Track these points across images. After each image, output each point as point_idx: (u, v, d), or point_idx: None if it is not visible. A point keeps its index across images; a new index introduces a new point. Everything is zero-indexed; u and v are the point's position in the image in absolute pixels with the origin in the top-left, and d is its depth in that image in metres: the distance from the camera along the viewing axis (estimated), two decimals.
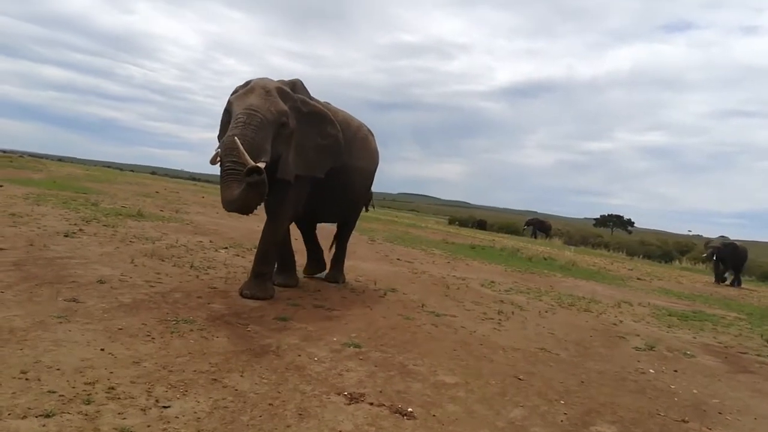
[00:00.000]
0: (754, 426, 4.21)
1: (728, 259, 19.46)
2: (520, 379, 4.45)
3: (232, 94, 5.70)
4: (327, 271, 7.65)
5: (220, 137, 5.80)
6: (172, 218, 11.21)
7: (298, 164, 5.87)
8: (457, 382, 4.13)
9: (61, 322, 3.95)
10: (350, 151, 6.63)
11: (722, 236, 27.16)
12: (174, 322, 4.38)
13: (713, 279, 19.65)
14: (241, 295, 5.64)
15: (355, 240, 13.62)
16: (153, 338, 3.95)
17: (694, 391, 4.94)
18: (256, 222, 12.95)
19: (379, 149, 7.72)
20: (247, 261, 7.68)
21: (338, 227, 7.88)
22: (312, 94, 6.35)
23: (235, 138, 4.92)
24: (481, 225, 42.42)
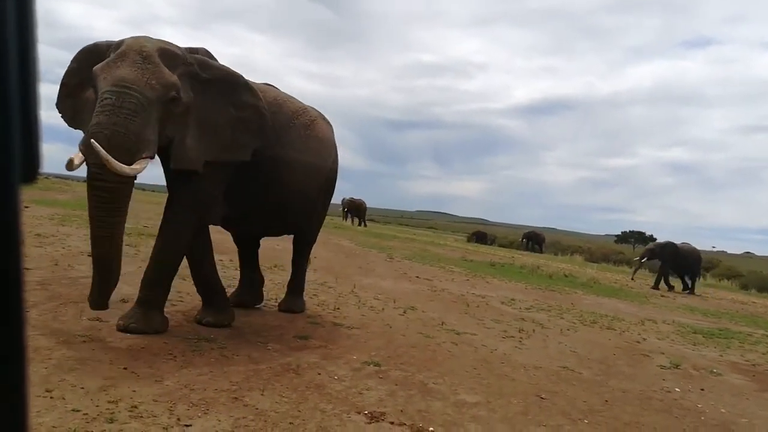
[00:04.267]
0: None
1: (669, 261, 17.62)
2: (542, 398, 4.39)
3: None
4: (284, 297, 6.36)
5: (78, 121, 4.38)
6: None
7: (207, 148, 4.53)
8: (479, 401, 4.08)
9: (84, 341, 4.00)
10: (283, 140, 5.24)
11: (679, 242, 25.21)
12: (195, 341, 4.41)
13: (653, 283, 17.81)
14: (117, 328, 4.38)
15: (373, 258, 13.65)
16: (174, 356, 3.98)
17: (722, 410, 4.82)
18: (274, 241, 13.04)
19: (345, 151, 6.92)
20: (268, 280, 7.71)
21: (293, 244, 6.51)
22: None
23: (92, 141, 3.64)
24: (481, 238, 42.24)
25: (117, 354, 3.84)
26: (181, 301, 5.79)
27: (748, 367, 6.86)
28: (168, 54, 4.22)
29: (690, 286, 17.81)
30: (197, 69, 4.51)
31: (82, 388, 3.19)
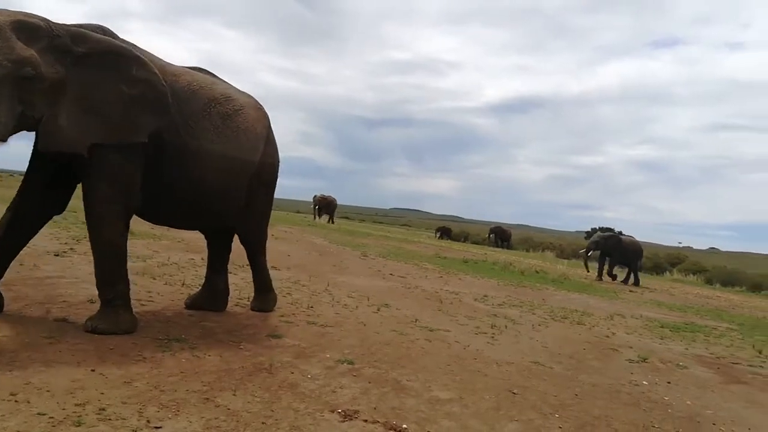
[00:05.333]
0: None
1: (612, 253, 18.11)
2: (514, 393, 4.44)
3: None
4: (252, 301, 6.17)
5: None
6: (164, 236, 11.15)
7: (91, 128, 4.16)
8: (452, 397, 4.11)
9: (51, 343, 3.90)
10: (194, 128, 4.82)
11: (610, 229, 25.56)
12: (165, 341, 4.35)
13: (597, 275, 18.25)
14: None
15: (347, 256, 13.64)
16: (144, 357, 3.91)
17: (688, 402, 4.94)
18: None
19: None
20: (240, 278, 7.64)
21: (241, 243, 6.00)
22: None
23: None
24: (446, 233, 43.15)
25: (84, 355, 3.76)
26: (151, 300, 5.70)
27: (713, 360, 7.05)
28: (25, 27, 3.85)
29: (634, 277, 18.31)
30: (68, 42, 4.10)
31: (48, 391, 3.11)
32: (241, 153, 5.26)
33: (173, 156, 4.68)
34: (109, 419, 2.88)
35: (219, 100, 5.12)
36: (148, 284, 6.42)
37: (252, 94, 5.83)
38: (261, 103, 5.81)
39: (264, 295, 6.11)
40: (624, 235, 21.96)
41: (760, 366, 7.05)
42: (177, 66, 5.11)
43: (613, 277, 18.27)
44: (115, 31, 4.65)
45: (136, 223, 5.29)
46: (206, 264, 5.97)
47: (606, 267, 18.47)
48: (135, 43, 4.75)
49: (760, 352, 7.96)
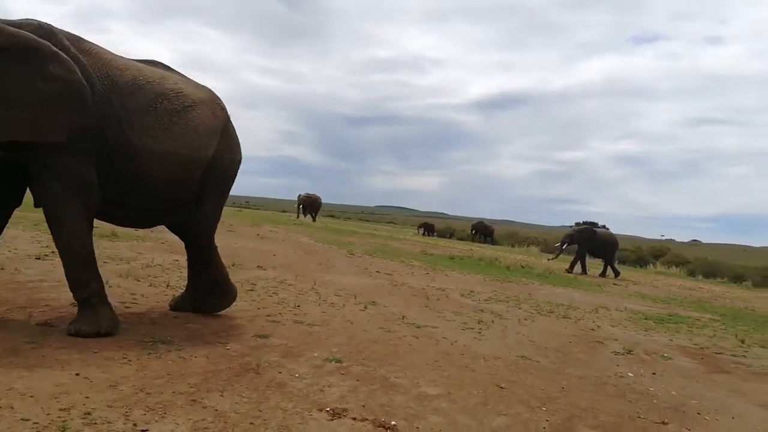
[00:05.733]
0: (732, 425, 4.29)
1: (587, 246, 18.26)
2: (501, 387, 4.47)
3: None
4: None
5: None
6: (147, 237, 11.05)
7: (9, 123, 4.03)
8: (440, 393, 4.13)
9: (34, 347, 3.85)
10: (136, 125, 4.62)
11: (590, 222, 25.71)
12: (151, 343, 4.30)
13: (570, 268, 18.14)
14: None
15: (333, 254, 13.61)
16: (129, 360, 3.87)
17: (673, 392, 5.01)
18: (233, 239, 12.85)
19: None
20: None
21: (195, 245, 5.66)
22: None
23: None
24: (429, 229, 43.34)
25: (68, 359, 3.71)
26: (136, 302, 5.65)
27: (697, 351, 7.15)
28: None
29: (612, 270, 18.40)
30: None
31: (32, 396, 3.07)
32: (190, 150, 5.03)
33: (118, 153, 4.53)
34: (95, 423, 2.85)
35: (168, 95, 4.93)
36: (132, 286, 6.36)
37: (230, 91, 5.72)
38: (219, 99, 5.59)
39: (223, 288, 5.69)
40: (605, 228, 22.07)
41: (743, 356, 7.16)
42: (127, 59, 4.92)
43: (572, 268, 18.19)
44: (89, 31, 4.57)
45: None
46: (187, 266, 5.81)
47: (581, 259, 18.49)
48: (86, 39, 4.65)
49: (742, 342, 8.09)
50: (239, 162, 5.79)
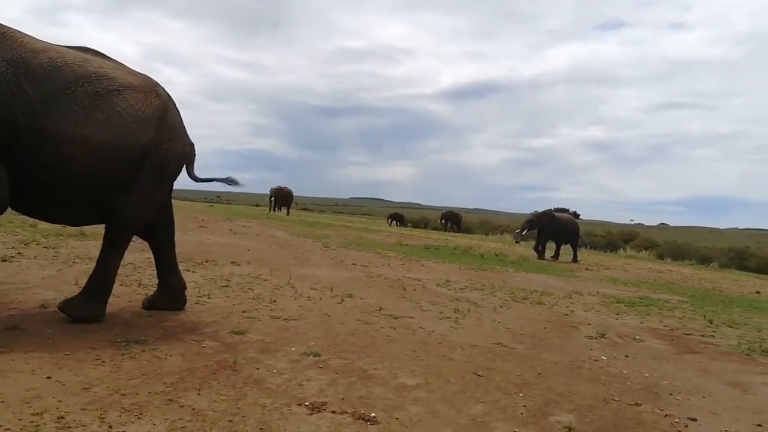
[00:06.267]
0: (703, 404, 4.40)
1: (547, 230, 18.27)
2: (479, 375, 4.52)
3: None
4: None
5: None
6: None
7: None
8: (418, 383, 4.15)
9: (3, 352, 3.75)
10: (54, 109, 4.34)
11: (561, 208, 26.14)
12: (124, 344, 4.23)
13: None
14: None
15: (308, 247, 13.54)
16: (103, 362, 3.80)
17: (645, 374, 5.12)
18: (206, 235, 12.70)
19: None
20: (199, 275, 7.52)
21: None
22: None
23: None
24: (399, 219, 43.93)
25: (39, 363, 3.63)
26: (108, 303, 5.53)
27: (667, 332, 7.33)
28: None
29: (574, 254, 18.75)
30: None
31: (3, 401, 2.99)
32: (116, 136, 4.64)
33: (33, 141, 4.26)
34: (69, 427, 2.79)
35: (89, 78, 4.58)
36: None
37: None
38: (160, 87, 5.23)
39: (84, 296, 4.91)
40: (566, 213, 22.35)
41: (711, 335, 7.37)
42: (49, 44, 4.64)
43: (540, 254, 18.38)
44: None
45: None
46: (155, 265, 5.68)
47: (542, 244, 18.68)
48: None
49: (710, 322, 8.32)
50: (186, 155, 5.41)
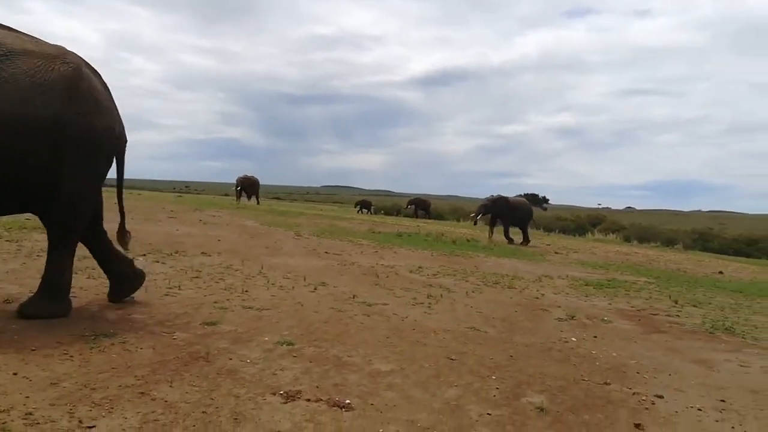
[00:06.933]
0: (669, 382, 4.54)
1: (502, 214, 18.98)
2: (452, 359, 4.57)
3: None
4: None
5: None
6: None
7: None
8: (393, 368, 4.18)
9: None
10: None
11: (522, 195, 27.05)
12: (93, 337, 4.15)
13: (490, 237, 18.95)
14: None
15: (280, 236, 13.45)
16: (71, 356, 3.72)
17: (614, 354, 5.25)
18: (175, 225, 12.49)
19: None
20: (168, 267, 7.40)
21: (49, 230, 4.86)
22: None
23: None
24: (366, 206, 44.23)
25: (4, 359, 3.53)
26: (74, 296, 5.40)
27: (634, 313, 7.51)
28: None
29: (524, 235, 19.24)
30: None
31: None
32: (7, 105, 4.11)
33: None
34: (38, 423, 2.74)
35: None
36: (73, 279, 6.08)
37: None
38: (73, 55, 4.67)
39: (39, 295, 4.67)
40: (521, 197, 22.93)
41: (677, 315, 7.58)
42: None
43: (510, 240, 18.74)
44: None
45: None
46: (94, 258, 5.45)
47: (496, 228, 19.34)
48: None
49: (676, 302, 8.56)
50: (108, 129, 4.78)
